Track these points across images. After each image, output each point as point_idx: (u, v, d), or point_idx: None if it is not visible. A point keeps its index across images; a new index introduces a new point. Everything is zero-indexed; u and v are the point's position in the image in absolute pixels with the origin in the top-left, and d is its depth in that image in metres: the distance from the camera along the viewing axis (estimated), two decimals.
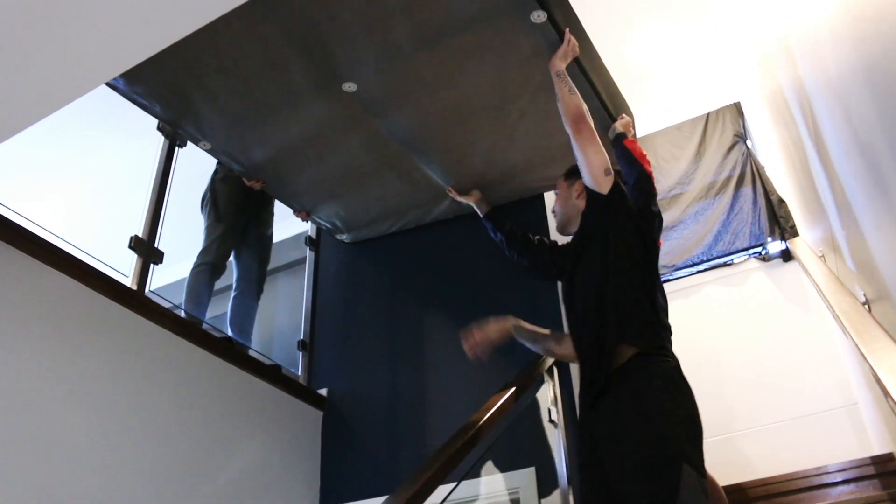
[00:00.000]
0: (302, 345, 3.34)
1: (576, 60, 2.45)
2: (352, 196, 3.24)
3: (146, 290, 2.52)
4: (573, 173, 2.34)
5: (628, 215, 2.18)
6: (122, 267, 2.49)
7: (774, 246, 3.85)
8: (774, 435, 3.35)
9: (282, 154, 2.95)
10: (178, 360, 2.52)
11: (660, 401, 1.88)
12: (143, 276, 2.53)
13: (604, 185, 2.18)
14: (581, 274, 2.19)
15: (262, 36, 2.36)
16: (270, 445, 2.81)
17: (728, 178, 4.11)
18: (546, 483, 2.49)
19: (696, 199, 4.16)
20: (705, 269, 4.00)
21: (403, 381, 3.04)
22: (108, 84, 2.45)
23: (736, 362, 3.59)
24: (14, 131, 1.78)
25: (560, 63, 2.32)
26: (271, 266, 3.42)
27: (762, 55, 3.37)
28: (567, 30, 2.36)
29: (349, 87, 2.57)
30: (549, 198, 3.15)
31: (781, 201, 3.83)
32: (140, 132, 2.91)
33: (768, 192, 3.91)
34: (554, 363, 2.53)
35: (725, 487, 2.39)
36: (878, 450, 2.89)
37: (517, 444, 2.59)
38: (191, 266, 2.98)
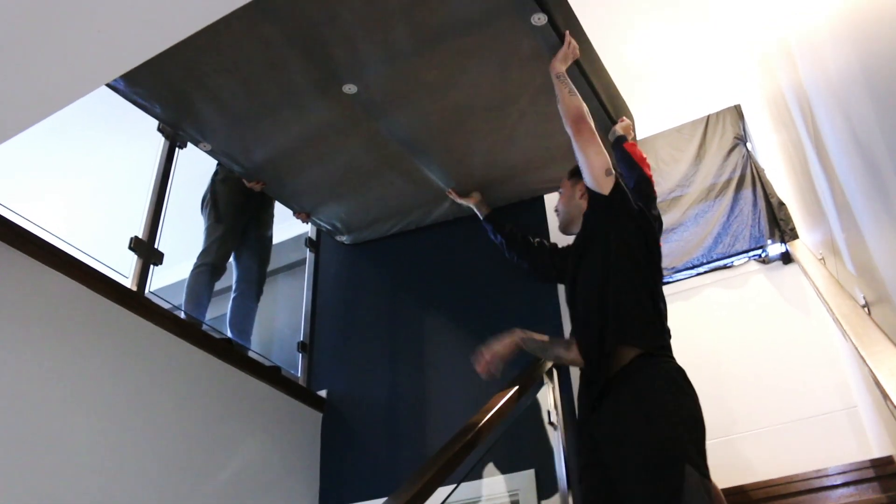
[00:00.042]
0: (302, 346, 3.34)
1: (576, 63, 2.45)
2: (352, 198, 3.24)
3: (146, 291, 2.52)
4: (577, 173, 2.34)
5: (630, 216, 2.18)
6: (122, 268, 2.49)
7: (774, 248, 3.85)
8: (774, 437, 3.35)
9: (282, 155, 2.95)
10: (177, 361, 2.51)
11: (662, 401, 1.88)
12: (142, 277, 2.53)
13: (605, 186, 2.18)
14: (583, 275, 2.19)
15: (262, 37, 2.36)
16: (270, 447, 2.81)
17: (728, 181, 4.11)
18: (546, 485, 2.48)
19: (696, 202, 4.16)
20: (705, 272, 4.00)
21: (403, 382, 3.04)
22: (108, 85, 2.45)
23: (736, 365, 3.59)
24: (15, 132, 1.78)
25: (560, 65, 2.33)
26: (271, 267, 3.42)
27: (762, 56, 3.37)
28: (567, 32, 2.36)
29: (349, 88, 2.57)
30: (549, 200, 3.15)
31: (781, 204, 3.83)
32: (140, 133, 2.92)
33: (768, 195, 3.92)
34: (553, 365, 2.53)
35: (725, 490, 2.39)
36: (877, 453, 2.88)
37: (517, 447, 2.59)
38: (191, 267, 2.98)
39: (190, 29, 1.64)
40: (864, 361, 1.76)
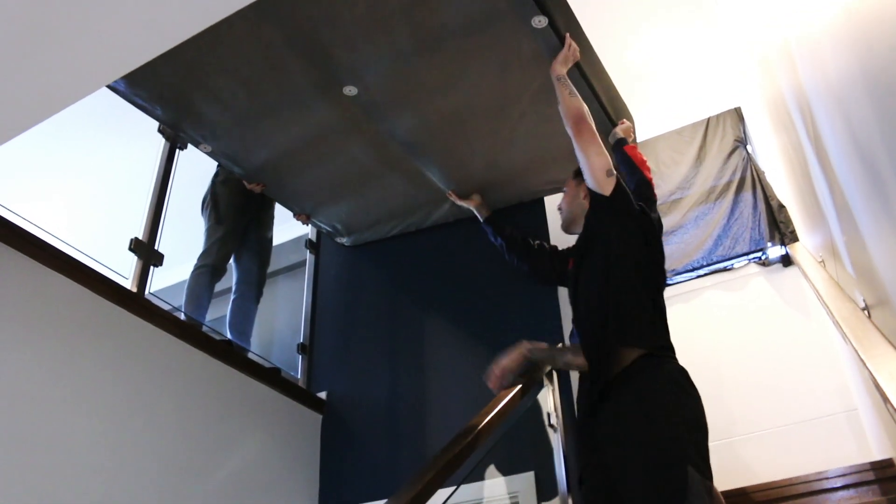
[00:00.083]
0: (302, 348, 3.34)
1: (576, 65, 2.45)
2: (352, 199, 3.24)
3: (146, 292, 2.52)
4: (582, 173, 2.34)
5: (631, 216, 2.19)
6: (122, 269, 2.49)
7: (774, 251, 3.85)
8: (774, 440, 3.35)
9: (282, 157, 2.95)
10: (177, 363, 2.52)
11: (663, 402, 1.87)
12: (143, 278, 2.53)
13: (606, 187, 2.18)
14: (584, 275, 2.19)
15: (263, 39, 2.37)
16: (270, 448, 2.81)
17: (728, 183, 4.11)
18: (545, 487, 2.48)
19: (696, 204, 4.16)
20: (705, 274, 4.00)
21: (403, 384, 3.04)
22: (109, 86, 2.46)
23: (736, 367, 3.59)
24: (15, 133, 1.78)
25: (561, 67, 2.33)
26: (271, 269, 3.42)
27: (762, 57, 3.37)
28: (568, 34, 2.37)
29: (350, 90, 2.57)
30: (549, 202, 3.16)
31: (781, 206, 3.83)
32: (141, 134, 2.92)
33: (768, 197, 3.92)
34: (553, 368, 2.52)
35: (725, 492, 2.39)
36: (877, 455, 2.88)
37: (517, 449, 2.59)
38: (191, 268, 2.98)
39: (191, 31, 1.64)
40: (864, 364, 1.75)
